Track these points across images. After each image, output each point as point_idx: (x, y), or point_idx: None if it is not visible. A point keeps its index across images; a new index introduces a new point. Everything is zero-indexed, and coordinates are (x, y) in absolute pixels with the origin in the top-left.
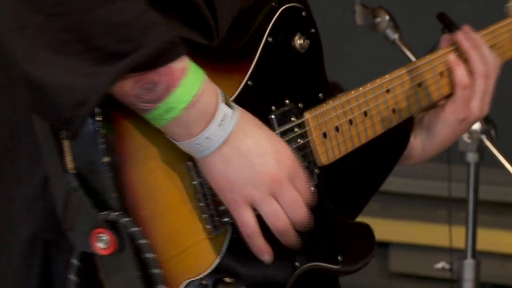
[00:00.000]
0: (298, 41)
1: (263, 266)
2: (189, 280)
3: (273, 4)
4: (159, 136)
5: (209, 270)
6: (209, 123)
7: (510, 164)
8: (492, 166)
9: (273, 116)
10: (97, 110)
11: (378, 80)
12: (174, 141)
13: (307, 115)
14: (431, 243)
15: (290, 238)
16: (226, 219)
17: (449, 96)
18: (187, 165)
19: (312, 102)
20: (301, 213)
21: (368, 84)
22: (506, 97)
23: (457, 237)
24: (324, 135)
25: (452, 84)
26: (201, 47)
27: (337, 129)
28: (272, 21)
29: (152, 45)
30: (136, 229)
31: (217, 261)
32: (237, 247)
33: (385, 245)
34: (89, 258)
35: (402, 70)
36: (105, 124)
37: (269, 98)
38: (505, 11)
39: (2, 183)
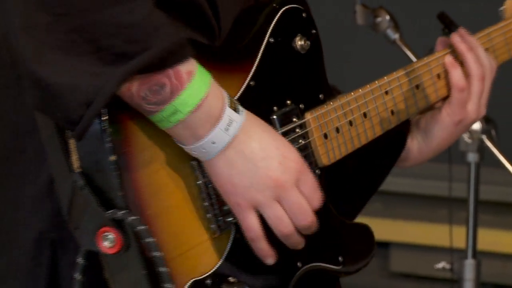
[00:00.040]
0: (299, 42)
1: (265, 266)
2: (193, 280)
3: (274, 5)
4: (164, 136)
5: (213, 270)
6: (214, 127)
7: (511, 164)
8: (493, 166)
9: (275, 117)
10: (103, 109)
11: (376, 82)
12: (180, 144)
13: (308, 116)
14: (432, 243)
15: (294, 241)
16: (230, 219)
17: (445, 98)
18: (192, 165)
19: (313, 103)
20: (306, 217)
21: (367, 86)
22: (507, 97)
23: (458, 237)
24: (325, 136)
25: (448, 86)
26: (203, 47)
27: (337, 130)
28: (274, 22)
29: (160, 46)
30: (143, 227)
31: (221, 260)
32: (240, 247)
33: (385, 245)
34: (94, 257)
35: (400, 72)
36: (111, 124)
37: (271, 98)
38: (500, 14)
39: (7, 183)
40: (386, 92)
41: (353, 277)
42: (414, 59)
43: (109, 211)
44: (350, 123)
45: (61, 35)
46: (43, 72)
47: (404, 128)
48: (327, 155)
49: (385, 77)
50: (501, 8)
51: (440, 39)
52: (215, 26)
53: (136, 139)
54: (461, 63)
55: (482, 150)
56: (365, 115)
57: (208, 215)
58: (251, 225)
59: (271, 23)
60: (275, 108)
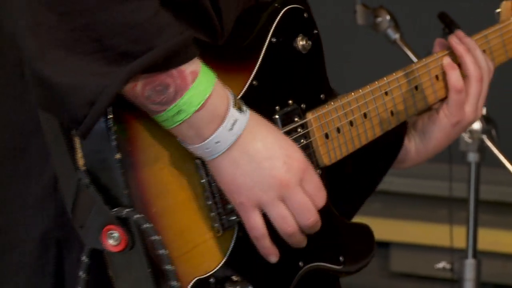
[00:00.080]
0: (301, 42)
1: (268, 265)
2: (197, 278)
3: (276, 5)
4: (169, 135)
5: (216, 268)
6: (219, 127)
7: (511, 164)
8: (493, 166)
9: (277, 116)
10: (108, 108)
11: (376, 82)
12: (184, 144)
13: (310, 116)
14: (432, 243)
15: (297, 240)
16: (233, 218)
17: (443, 99)
18: (196, 163)
19: (314, 103)
20: (310, 217)
21: (367, 86)
22: (507, 97)
23: (458, 237)
24: (326, 135)
25: (447, 87)
26: (206, 46)
27: (338, 130)
28: (275, 22)
29: (165, 46)
30: (148, 225)
31: (224, 259)
32: (243, 245)
33: (386, 245)
34: (99, 255)
35: (399, 73)
36: (116, 123)
37: (273, 98)
38: (496, 17)
39: (10, 182)
40: (386, 93)
41: (353, 277)
42: (414, 59)
43: (114, 209)
44: (351, 123)
45: (66, 34)
46: (48, 71)
47: (401, 129)
48: (328, 155)
49: (385, 78)
50: (497, 11)
51: (438, 40)
52: (218, 26)
53: (141, 137)
54: (459, 64)
55: (483, 150)
56: (365, 115)
57: (212, 214)
58: (255, 225)
59: (273, 23)
60: (277, 107)
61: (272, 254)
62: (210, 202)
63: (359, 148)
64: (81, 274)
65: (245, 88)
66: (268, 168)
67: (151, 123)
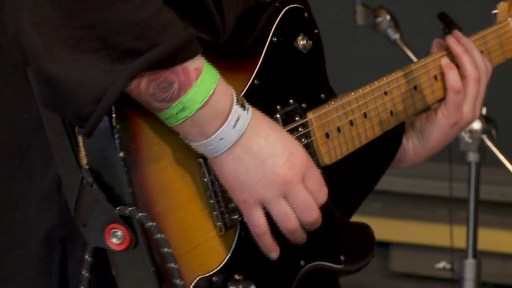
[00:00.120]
0: (301, 42)
1: (270, 264)
2: (200, 277)
3: (277, 4)
4: (172, 133)
5: (219, 267)
6: (222, 124)
7: (511, 164)
8: (493, 165)
9: (278, 116)
10: (111, 106)
11: (376, 82)
12: (187, 141)
13: (310, 115)
14: (432, 243)
15: (298, 237)
16: (236, 217)
17: (442, 99)
18: (198, 162)
19: (315, 103)
20: (311, 214)
21: (367, 86)
22: (507, 97)
23: (458, 237)
24: (327, 135)
25: (445, 88)
26: (208, 45)
27: (338, 129)
28: (276, 21)
29: (170, 42)
30: (152, 223)
31: (226, 258)
32: (245, 244)
33: (386, 245)
34: (102, 254)
35: (398, 73)
36: (119, 121)
37: (274, 97)
38: (492, 18)
39: (13, 181)
40: (385, 93)
41: (353, 277)
42: (414, 59)
43: (117, 208)
44: (351, 122)
45: (71, 32)
46: (53, 69)
47: (400, 129)
48: (328, 155)
49: (384, 78)
50: (494, 12)
51: (436, 41)
52: (220, 26)
53: (144, 135)
54: (458, 65)
55: (483, 150)
56: (365, 115)
57: (215, 213)
58: (258, 221)
59: (274, 22)
60: (278, 107)
61: (273, 251)
62: (212, 201)
63: (358, 148)
64: (84, 273)
65: (246, 87)
66: (271, 165)
67: (154, 121)
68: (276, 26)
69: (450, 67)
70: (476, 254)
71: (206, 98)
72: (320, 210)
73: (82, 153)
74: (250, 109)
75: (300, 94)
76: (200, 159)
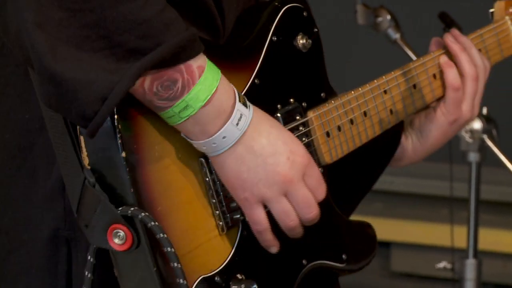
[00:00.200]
0: (301, 41)
1: (272, 263)
2: (202, 277)
3: (276, 3)
4: (174, 133)
5: (221, 267)
6: (225, 122)
7: None
8: (494, 165)
9: (279, 115)
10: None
11: (375, 81)
12: (189, 140)
13: (311, 114)
14: (433, 242)
15: (297, 233)
16: (237, 216)
17: (440, 98)
18: (200, 161)
19: (315, 102)
20: (311, 211)
21: (367, 85)
22: (508, 97)
23: (459, 236)
24: (327, 134)
25: (444, 86)
26: (208, 44)
27: (339, 128)
28: (276, 20)
29: (173, 41)
30: (154, 223)
31: (228, 258)
32: (247, 244)
33: (386, 244)
34: (104, 255)
35: (397, 72)
36: (121, 121)
37: (275, 96)
38: (489, 17)
39: (16, 182)
40: (385, 92)
41: (354, 276)
42: (415, 59)
43: (119, 208)
44: (351, 121)
45: (75, 31)
46: (58, 68)
47: (399, 127)
48: (329, 153)
49: (383, 77)
50: (491, 10)
51: (434, 39)
52: (220, 26)
53: (146, 135)
54: (456, 63)
55: (483, 149)
56: (365, 113)
57: (217, 212)
58: (259, 219)
59: (274, 21)
60: (279, 106)
61: (273, 246)
62: (214, 200)
63: (358, 147)
64: (87, 273)
65: (247, 86)
66: (272, 164)
67: (155, 120)
68: (275, 26)
69: (449, 65)
70: (477, 254)
71: (209, 96)
72: (321, 209)
73: (84, 153)
74: (251, 107)
75: (300, 93)
76: (202, 159)
